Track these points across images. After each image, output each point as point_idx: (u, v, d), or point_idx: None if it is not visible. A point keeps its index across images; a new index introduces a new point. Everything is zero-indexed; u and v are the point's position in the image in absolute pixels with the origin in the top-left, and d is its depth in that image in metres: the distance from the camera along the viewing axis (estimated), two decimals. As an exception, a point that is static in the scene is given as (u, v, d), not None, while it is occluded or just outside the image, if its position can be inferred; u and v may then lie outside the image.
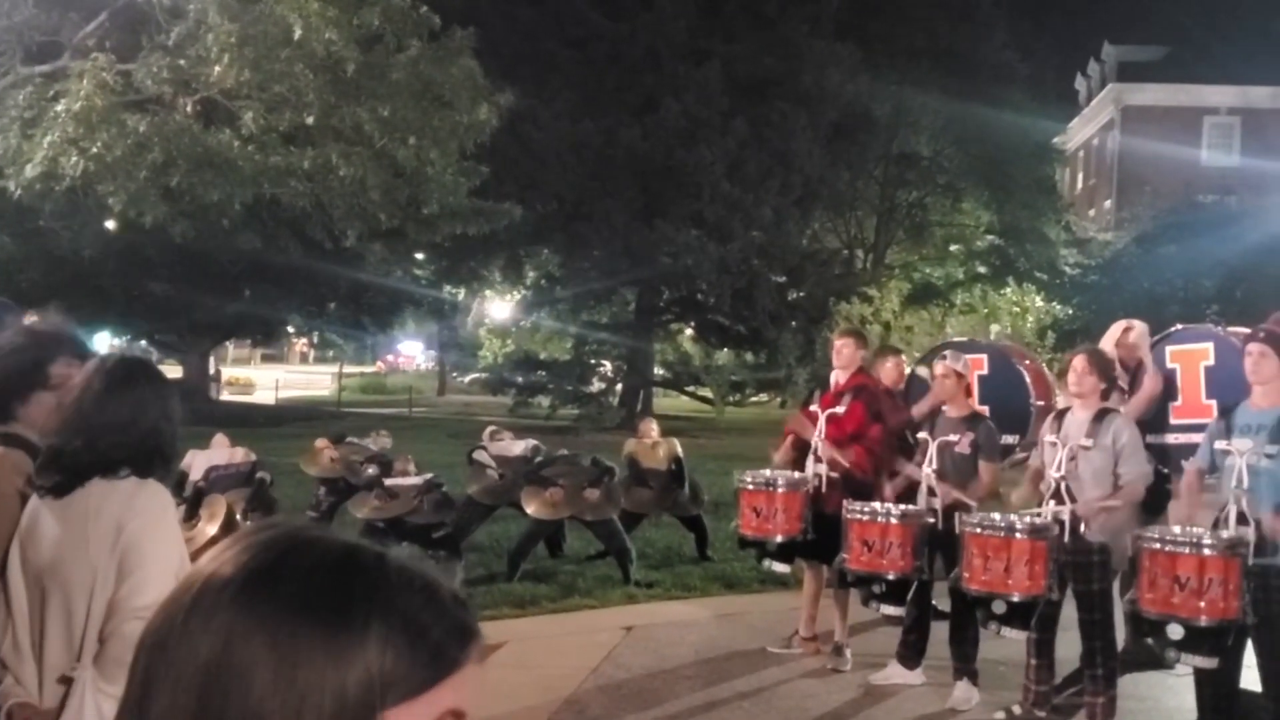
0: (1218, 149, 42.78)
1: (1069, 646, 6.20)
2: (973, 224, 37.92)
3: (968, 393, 6.97)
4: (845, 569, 6.55)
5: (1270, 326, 5.63)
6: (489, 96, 16.59)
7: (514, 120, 19.35)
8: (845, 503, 6.61)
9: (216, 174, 14.94)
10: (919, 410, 7.26)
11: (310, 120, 15.28)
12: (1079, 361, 6.12)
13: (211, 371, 40.49)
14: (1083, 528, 5.84)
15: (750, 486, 7.10)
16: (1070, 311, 30.14)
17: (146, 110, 14.77)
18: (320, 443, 10.54)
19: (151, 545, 2.67)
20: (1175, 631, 5.08)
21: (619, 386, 32.56)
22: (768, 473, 7.19)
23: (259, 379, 49.15)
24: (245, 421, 24.87)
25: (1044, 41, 38.43)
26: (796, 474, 7.17)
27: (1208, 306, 22.60)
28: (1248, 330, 6.03)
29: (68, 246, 21.76)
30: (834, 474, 7.12)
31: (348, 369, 55.65)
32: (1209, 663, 5.16)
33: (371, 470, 9.84)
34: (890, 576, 6.35)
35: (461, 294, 37.09)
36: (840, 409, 7.21)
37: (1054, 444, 6.00)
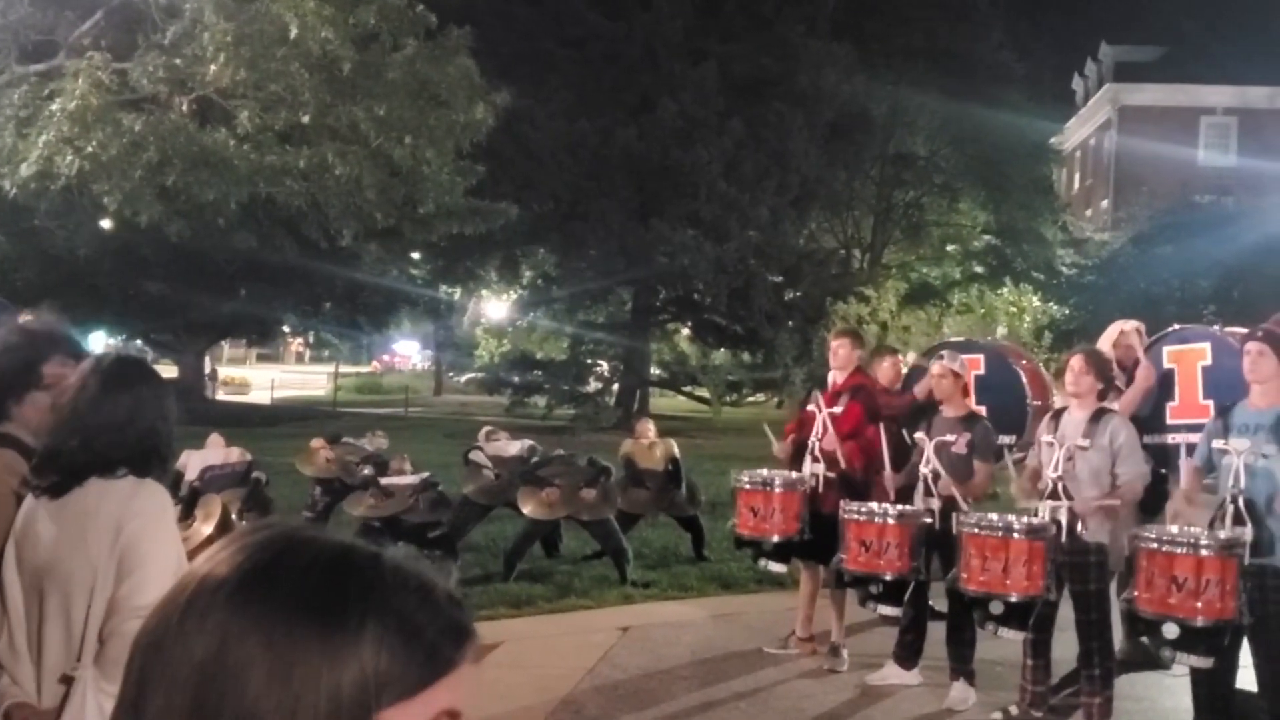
0: (1214, 149, 42.82)
1: (1066, 647, 6.20)
2: (969, 224, 37.95)
3: (965, 393, 6.98)
4: (842, 569, 6.54)
5: (1270, 326, 5.63)
6: (485, 96, 16.58)
7: (510, 120, 19.34)
8: (842, 503, 6.60)
9: (212, 173, 14.93)
10: (920, 389, 7.28)
11: (306, 119, 15.27)
12: (1076, 362, 6.12)
13: (208, 371, 40.48)
14: (1079, 528, 5.84)
15: (747, 486, 7.10)
16: (1067, 312, 30.16)
17: (142, 109, 14.76)
18: (316, 443, 10.52)
19: (151, 544, 2.67)
20: (1171, 631, 5.07)
21: (615, 386, 32.57)
22: (765, 472, 7.18)
23: (254, 378, 49.14)
24: (240, 421, 24.85)
25: (1041, 41, 38.49)
26: (794, 474, 7.16)
27: (1204, 307, 22.66)
28: (1245, 330, 6.04)
29: (63, 245, 21.75)
30: (831, 474, 7.11)
31: (343, 369, 55.62)
32: (1205, 663, 5.16)
33: (367, 470, 9.83)
34: (887, 577, 6.34)
35: (457, 293, 37.10)
36: (838, 409, 7.21)
37: (1051, 444, 6.00)
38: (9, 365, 3.06)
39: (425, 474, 9.77)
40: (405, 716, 0.83)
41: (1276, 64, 39.66)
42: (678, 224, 27.13)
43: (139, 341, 33.05)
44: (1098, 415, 5.96)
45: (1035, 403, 7.38)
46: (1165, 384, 6.44)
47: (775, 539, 6.99)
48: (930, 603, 6.91)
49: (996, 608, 5.73)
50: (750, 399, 33.81)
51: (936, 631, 6.79)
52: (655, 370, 34.94)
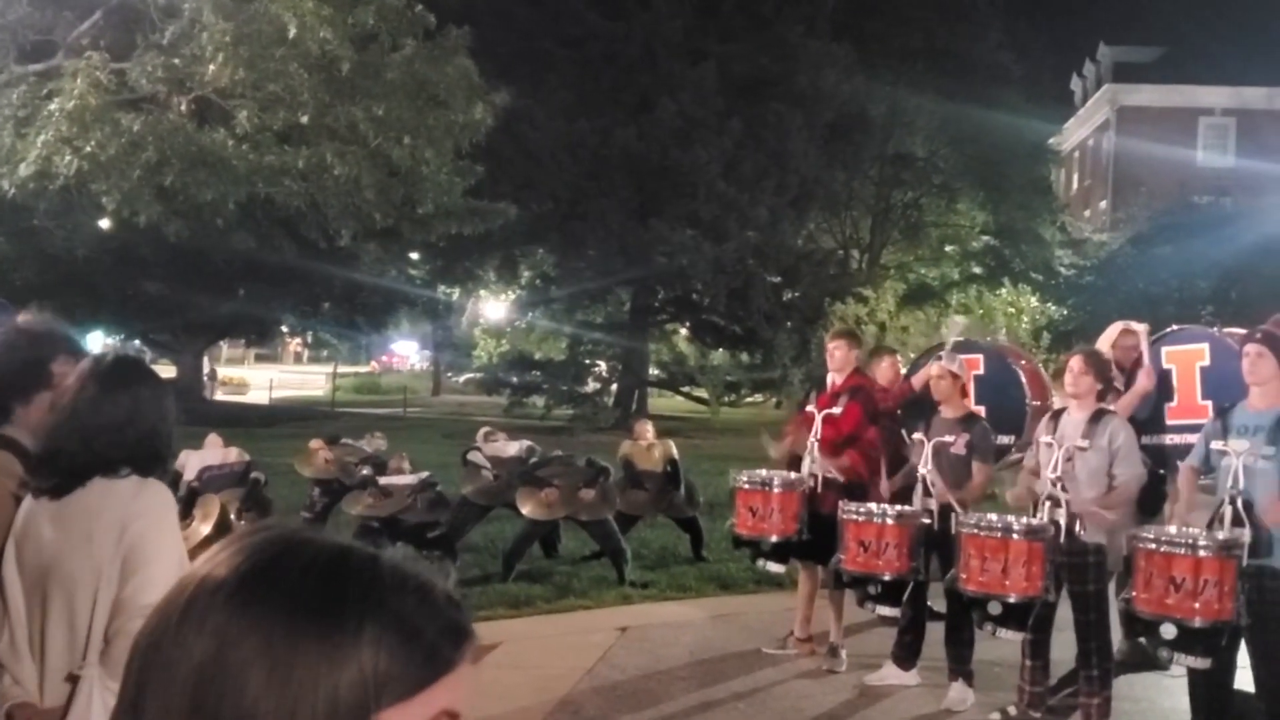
0: (1213, 150, 42.84)
1: (1064, 648, 6.20)
2: (968, 224, 37.95)
3: (963, 393, 6.98)
4: (841, 569, 6.54)
5: (1268, 328, 5.63)
6: (484, 96, 16.58)
7: (509, 120, 19.34)
8: (841, 503, 6.60)
9: (211, 173, 14.92)
10: (918, 379, 7.28)
11: (305, 119, 15.27)
12: (1076, 362, 6.12)
13: (207, 371, 40.46)
14: (1078, 528, 5.84)
15: (746, 486, 7.10)
16: (1065, 312, 30.15)
17: (141, 109, 14.75)
18: (315, 443, 10.53)
19: (156, 543, 2.68)
20: (1169, 631, 5.07)
21: (614, 387, 32.57)
22: (763, 472, 7.18)
23: (252, 379, 49.12)
24: (239, 421, 24.85)
25: (1039, 42, 38.45)
26: (792, 474, 7.16)
27: (1203, 307, 22.65)
28: (1243, 331, 6.04)
29: (61, 245, 21.73)
30: (829, 474, 7.11)
31: (342, 369, 55.61)
32: (1202, 663, 5.16)
33: (365, 471, 9.84)
34: (886, 577, 6.34)
35: (456, 294, 37.09)
36: (837, 410, 7.21)
37: (1050, 444, 6.00)
38: (18, 365, 3.06)
39: (424, 474, 9.78)
40: (404, 717, 0.83)
41: (1274, 65, 39.69)
42: (676, 224, 27.14)
43: (137, 341, 33.02)
44: (1097, 416, 5.96)
45: (1034, 403, 7.38)
46: (1164, 384, 6.45)
47: (774, 539, 6.99)
48: (929, 603, 6.92)
49: (995, 608, 5.73)
50: (749, 399, 33.82)
51: (935, 632, 6.79)
52: (654, 370, 34.94)
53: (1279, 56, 39.69)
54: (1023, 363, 8.09)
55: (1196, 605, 5.02)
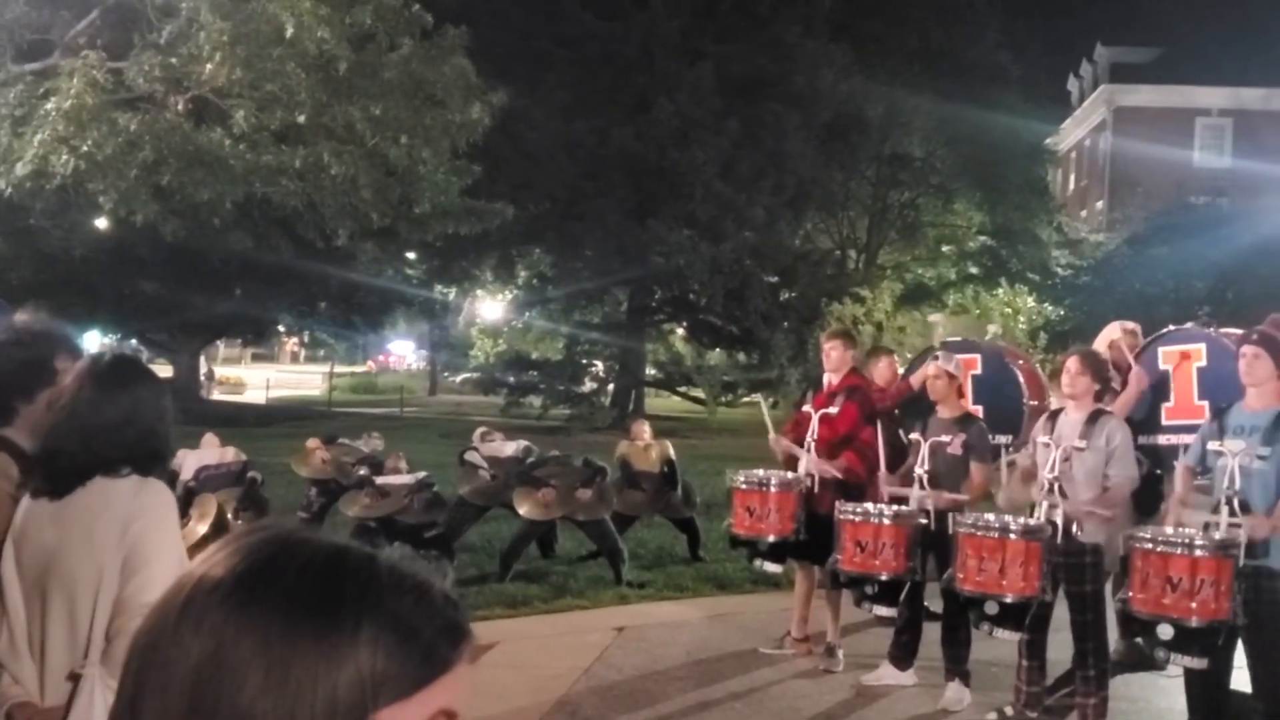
0: (1209, 150, 42.87)
1: (1061, 648, 6.20)
2: (965, 225, 37.94)
3: (960, 393, 6.98)
4: (838, 570, 6.55)
5: (1265, 328, 5.63)
6: (481, 95, 16.57)
7: (506, 119, 19.32)
8: (838, 503, 6.60)
9: (207, 173, 14.90)
10: (915, 379, 7.29)
11: (302, 119, 15.26)
12: (1072, 363, 6.13)
13: (204, 370, 40.42)
14: (1075, 529, 5.85)
15: (743, 486, 7.10)
16: (1062, 313, 30.15)
17: (137, 108, 14.74)
18: (312, 443, 10.52)
19: (156, 542, 2.69)
20: (1165, 632, 5.08)
21: (611, 387, 32.57)
22: (761, 472, 7.18)
23: (249, 378, 49.09)
24: (235, 421, 24.86)
25: (1037, 43, 38.57)
26: (790, 474, 7.17)
27: (1199, 308, 22.62)
28: (1240, 332, 6.04)
29: (58, 245, 21.69)
30: (826, 475, 7.12)
31: (338, 368, 55.58)
32: (1199, 663, 5.16)
33: (362, 471, 9.83)
34: (883, 577, 6.34)
35: (453, 293, 37.07)
36: (834, 409, 7.22)
37: (1047, 445, 6.01)
38: (23, 364, 3.06)
39: (421, 474, 9.78)
40: (402, 716, 0.83)
41: (1271, 65, 39.73)
42: (674, 224, 27.14)
43: (134, 341, 33.02)
44: (1094, 416, 5.97)
45: (1031, 403, 7.38)
46: (1160, 385, 6.45)
47: (771, 539, 6.99)
48: (926, 603, 6.92)
49: (992, 608, 5.74)
50: (745, 399, 33.82)
51: (932, 632, 6.79)
52: (651, 370, 34.94)
53: (1276, 57, 39.74)
54: (1020, 362, 8.09)
55: (1193, 605, 5.03)
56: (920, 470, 6.57)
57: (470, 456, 9.99)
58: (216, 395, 41.12)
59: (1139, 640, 5.36)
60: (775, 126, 28.37)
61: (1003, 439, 7.15)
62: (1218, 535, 5.13)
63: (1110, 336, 6.92)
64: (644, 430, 10.90)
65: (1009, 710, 6.21)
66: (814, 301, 30.25)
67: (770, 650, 7.54)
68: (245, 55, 14.17)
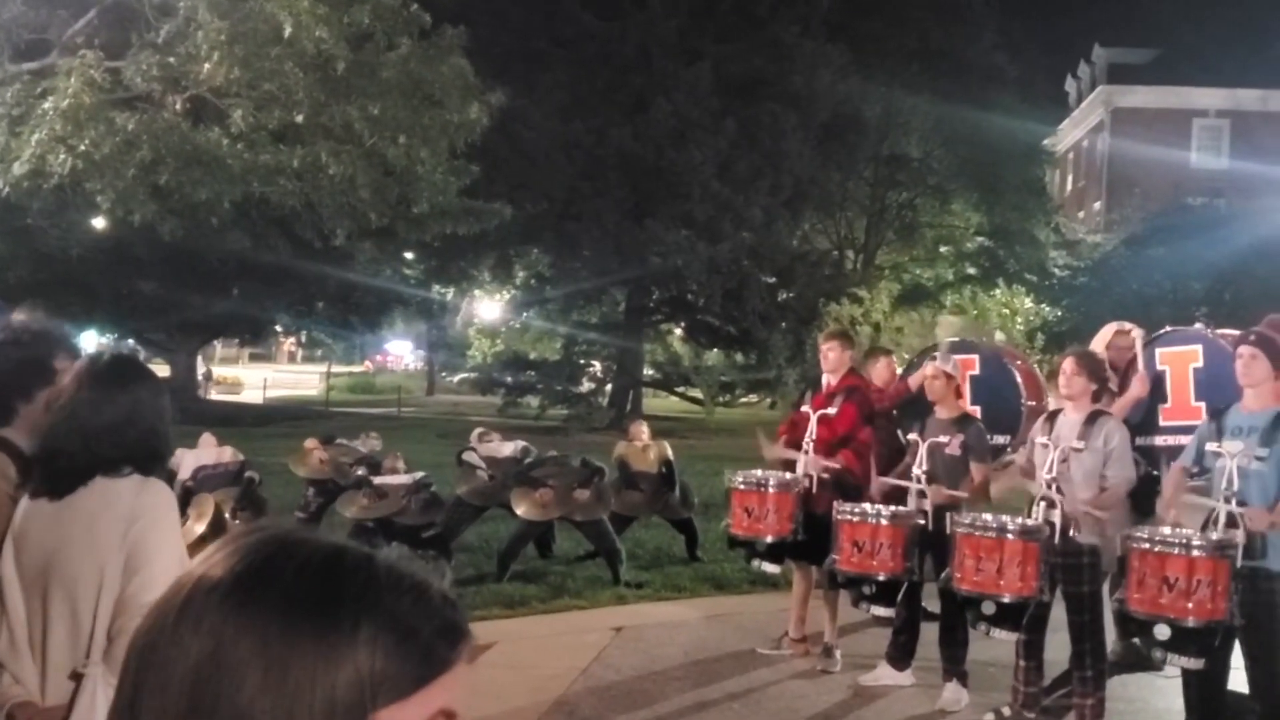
0: (1207, 151, 42.90)
1: (1058, 648, 6.20)
2: (962, 225, 37.96)
3: (958, 394, 6.99)
4: (835, 570, 6.55)
5: (1262, 329, 5.63)
6: (479, 95, 16.57)
7: (504, 119, 19.32)
8: (835, 504, 6.61)
9: (205, 172, 14.89)
10: (914, 380, 7.29)
11: (300, 118, 15.25)
12: (1068, 364, 6.14)
13: (202, 370, 40.38)
14: (1072, 529, 5.85)
15: (741, 486, 7.10)
16: (1059, 313, 30.17)
17: (135, 108, 14.73)
18: (309, 444, 10.51)
19: (158, 542, 2.69)
20: (1162, 632, 5.08)
21: (608, 387, 32.56)
22: (759, 473, 7.19)
23: (247, 378, 49.04)
24: (233, 421, 24.84)
25: (1034, 43, 38.63)
26: (788, 474, 7.17)
27: (1196, 309, 22.65)
28: (1237, 332, 6.04)
29: (56, 244, 21.67)
30: (825, 475, 7.12)
31: (336, 368, 55.51)
32: (1196, 663, 5.17)
33: (360, 471, 9.83)
34: (880, 578, 6.35)
35: (451, 293, 37.05)
36: (832, 410, 7.22)
37: (1045, 445, 6.01)
38: (23, 363, 3.06)
39: (419, 474, 9.77)
40: (402, 716, 0.83)
41: (1268, 66, 39.78)
42: (671, 224, 27.14)
43: (131, 340, 32.98)
44: (1093, 417, 5.97)
45: (1030, 403, 7.39)
46: (1157, 386, 6.45)
47: (769, 539, 6.99)
48: (923, 604, 6.93)
49: (989, 608, 5.74)
50: (743, 400, 33.82)
51: (929, 632, 6.79)
52: (648, 371, 34.93)
53: (1273, 58, 39.79)
54: (1018, 363, 8.10)
55: (1190, 605, 5.03)
56: (918, 470, 6.58)
57: (468, 457, 9.98)
58: (214, 395, 41.07)
59: (1136, 641, 5.37)
60: (773, 127, 28.37)
61: (1001, 439, 7.16)
62: (1215, 535, 5.13)
63: (1107, 336, 6.93)
64: (642, 430, 10.90)
65: (1006, 711, 6.21)
66: (812, 302, 30.26)
67: (768, 650, 7.54)
68: (243, 55, 14.17)
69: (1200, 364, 6.35)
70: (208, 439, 8.59)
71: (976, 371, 7.55)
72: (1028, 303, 32.12)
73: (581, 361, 32.66)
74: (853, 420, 7.20)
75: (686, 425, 29.08)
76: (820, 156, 30.23)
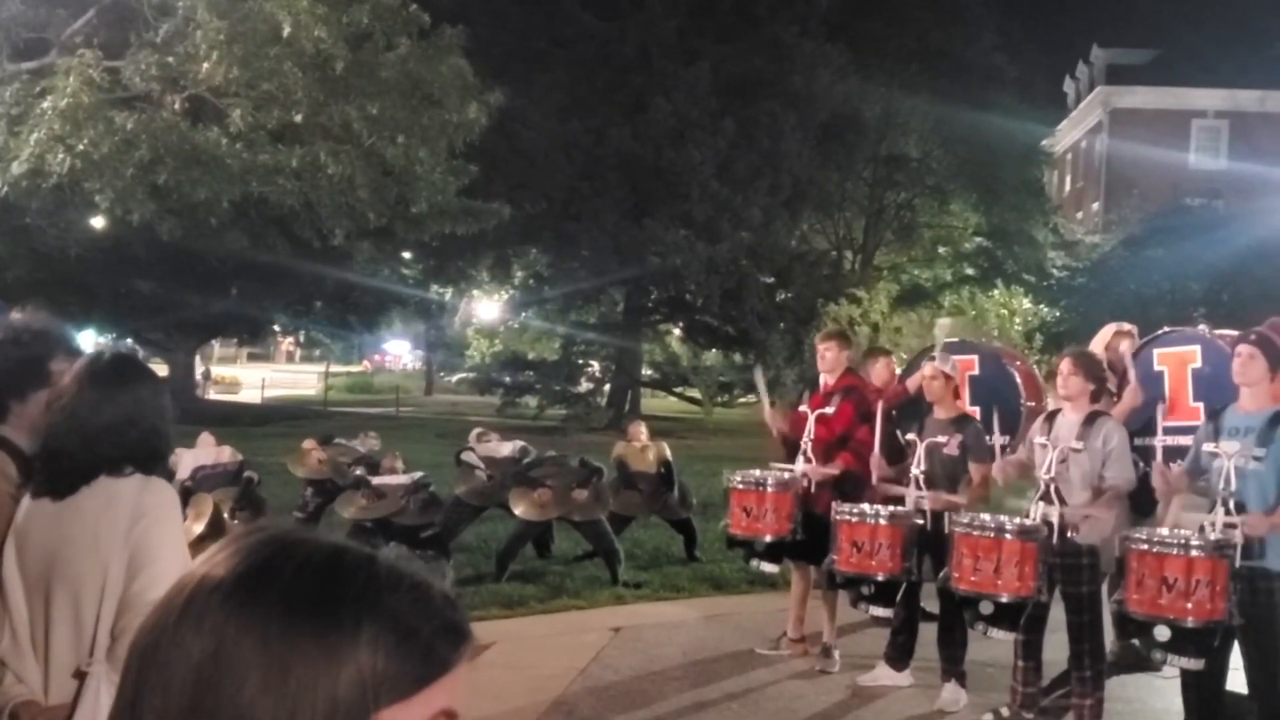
0: (1205, 152, 42.90)
1: (1057, 649, 6.21)
2: (961, 226, 37.96)
3: (956, 395, 6.99)
4: (834, 570, 6.55)
5: (1263, 330, 5.63)
6: (478, 95, 16.57)
7: (503, 119, 19.32)
8: (834, 504, 6.61)
9: (204, 172, 14.89)
10: (912, 381, 7.29)
11: (299, 118, 15.24)
12: (1065, 364, 6.15)
13: (201, 370, 40.36)
14: (1070, 530, 5.85)
15: (740, 486, 7.11)
16: (1058, 314, 30.19)
17: (134, 107, 14.72)
18: (308, 444, 10.51)
19: (160, 541, 2.69)
20: (1162, 633, 5.08)
21: (607, 387, 32.55)
22: (757, 472, 7.19)
23: (245, 378, 49.01)
24: (231, 420, 24.82)
25: (1033, 44, 38.67)
26: (786, 474, 7.17)
27: (1195, 309, 22.66)
28: (1235, 333, 6.04)
29: (54, 244, 21.65)
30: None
31: (334, 368, 55.47)
32: (1195, 664, 5.17)
33: (359, 471, 9.82)
34: (879, 578, 6.35)
35: (449, 293, 37.04)
36: (830, 409, 7.22)
37: (1044, 446, 6.01)
38: (19, 363, 3.06)
39: (417, 474, 9.77)
40: (403, 716, 0.83)
41: (1267, 67, 39.79)
42: (670, 224, 27.14)
43: (129, 340, 32.95)
44: (1091, 418, 5.98)
45: (1029, 404, 7.40)
46: (1155, 387, 6.46)
47: (767, 539, 7.00)
48: (922, 604, 6.93)
49: (987, 608, 5.74)
50: (742, 400, 33.80)
51: (928, 633, 6.80)
52: (647, 371, 34.92)
53: (1271, 59, 39.81)
54: (1018, 364, 8.11)
55: (1189, 606, 5.03)
56: (916, 471, 6.58)
57: (466, 457, 9.98)
58: (212, 394, 41.04)
59: (1135, 641, 5.37)
60: (772, 127, 28.37)
61: (1001, 440, 7.16)
62: (1213, 536, 5.14)
63: (1105, 337, 6.93)
64: (640, 431, 10.90)
65: (1005, 711, 6.22)
66: (810, 302, 30.26)
67: (766, 651, 7.55)
68: (242, 54, 14.16)
69: (1198, 364, 6.36)
70: (206, 439, 8.59)
71: (976, 372, 7.56)
72: (1026, 303, 32.13)
73: (580, 361, 32.65)
74: (850, 420, 7.20)
75: (685, 425, 29.08)
76: (819, 157, 30.24)
